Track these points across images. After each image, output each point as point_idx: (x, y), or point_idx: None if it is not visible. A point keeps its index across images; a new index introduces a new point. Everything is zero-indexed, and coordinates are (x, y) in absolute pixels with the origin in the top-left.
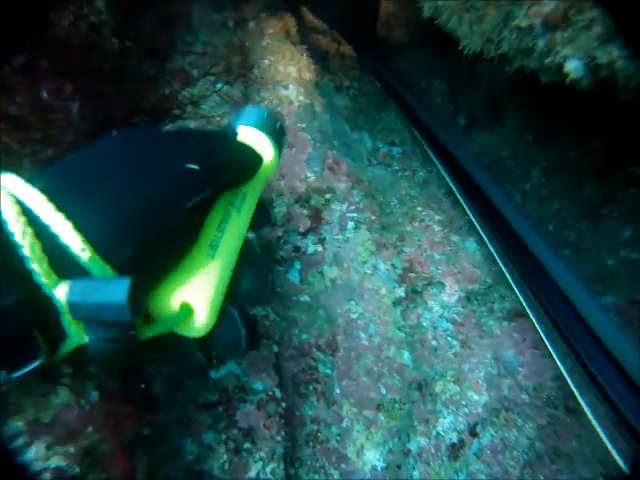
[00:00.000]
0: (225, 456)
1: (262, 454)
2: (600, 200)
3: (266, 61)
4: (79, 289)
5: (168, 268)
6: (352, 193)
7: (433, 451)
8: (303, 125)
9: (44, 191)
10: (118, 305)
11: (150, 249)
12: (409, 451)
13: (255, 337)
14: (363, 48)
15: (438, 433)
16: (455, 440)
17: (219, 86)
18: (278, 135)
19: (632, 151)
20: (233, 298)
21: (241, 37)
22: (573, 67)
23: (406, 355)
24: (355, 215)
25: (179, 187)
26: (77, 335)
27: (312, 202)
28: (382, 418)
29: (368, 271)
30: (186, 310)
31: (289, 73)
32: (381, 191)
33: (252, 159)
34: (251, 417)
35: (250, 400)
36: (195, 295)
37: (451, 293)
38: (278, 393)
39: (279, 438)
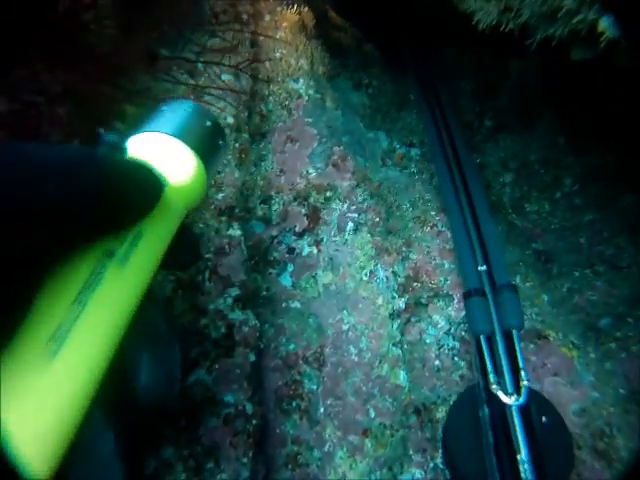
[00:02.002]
0: (184, 475)
1: (224, 476)
2: None
3: (278, 54)
4: None
5: None
6: (355, 192)
7: None
8: (310, 120)
9: None
10: None
11: None
12: None
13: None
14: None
15: (437, 465)
16: None
17: (225, 77)
18: (208, 140)
19: None
20: (120, 400)
21: (254, 30)
22: (609, 23)
23: (402, 375)
24: (356, 216)
25: None
26: None
27: (311, 200)
28: (369, 445)
29: (365, 278)
30: None
31: (301, 66)
32: (393, 193)
33: (141, 185)
34: (216, 433)
35: (217, 413)
36: (12, 425)
37: (460, 307)
38: (250, 408)
39: (245, 460)
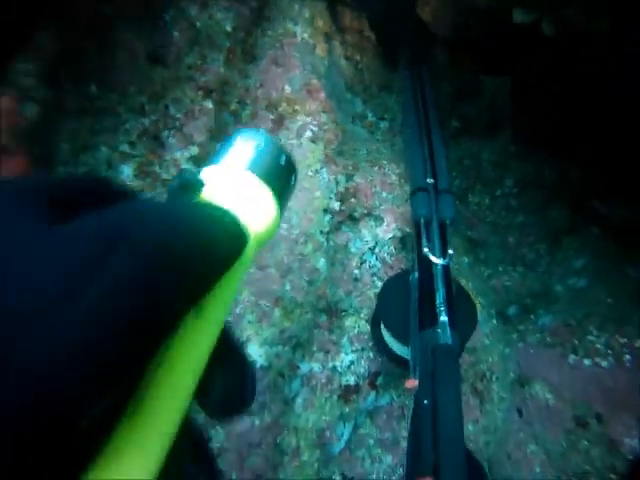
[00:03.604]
0: None
1: None
2: (565, 227)
3: None
4: None
5: None
6: (321, 115)
7: (324, 381)
8: (298, 55)
9: None
10: None
11: None
12: (297, 367)
13: None
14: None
15: (335, 367)
16: (351, 383)
17: None
18: (283, 179)
19: (605, 186)
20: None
21: None
22: None
23: (322, 261)
24: (316, 129)
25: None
26: None
27: (280, 109)
28: (277, 314)
29: (310, 173)
30: None
31: (303, 13)
32: (353, 140)
33: (225, 241)
34: None
35: None
36: None
37: (387, 230)
38: None
39: None
